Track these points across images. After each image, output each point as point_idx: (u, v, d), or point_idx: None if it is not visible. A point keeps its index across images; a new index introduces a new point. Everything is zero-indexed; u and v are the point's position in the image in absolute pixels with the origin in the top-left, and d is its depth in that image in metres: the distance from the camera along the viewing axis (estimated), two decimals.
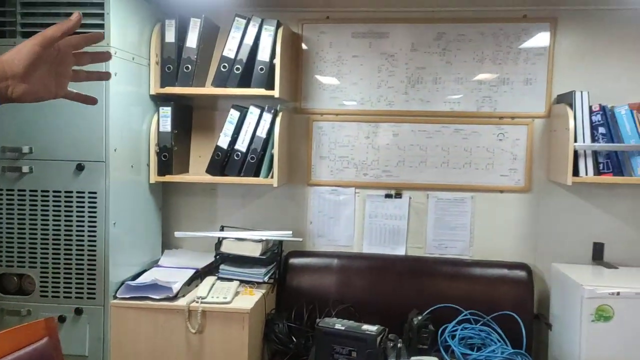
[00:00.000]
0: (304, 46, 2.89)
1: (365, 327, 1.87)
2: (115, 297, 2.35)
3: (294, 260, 2.89)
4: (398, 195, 2.92)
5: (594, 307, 2.29)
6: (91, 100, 1.12)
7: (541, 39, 2.77)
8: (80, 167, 2.23)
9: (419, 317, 2.57)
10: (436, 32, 2.82)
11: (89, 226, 2.27)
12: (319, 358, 1.86)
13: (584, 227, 2.81)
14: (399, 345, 1.96)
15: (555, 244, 2.84)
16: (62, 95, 1.04)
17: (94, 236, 2.27)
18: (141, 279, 2.42)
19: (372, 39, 2.85)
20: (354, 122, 2.90)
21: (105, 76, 1.24)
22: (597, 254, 2.81)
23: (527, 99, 2.80)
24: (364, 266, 2.88)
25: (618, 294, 2.28)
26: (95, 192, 2.26)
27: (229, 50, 2.58)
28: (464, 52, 2.81)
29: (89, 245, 2.27)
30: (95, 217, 2.26)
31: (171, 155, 2.63)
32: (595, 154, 2.54)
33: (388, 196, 2.92)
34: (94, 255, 2.28)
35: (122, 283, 2.39)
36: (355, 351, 1.78)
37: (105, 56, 1.14)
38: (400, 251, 2.93)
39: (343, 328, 1.85)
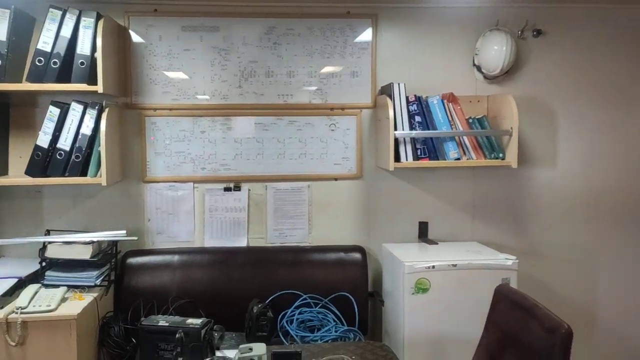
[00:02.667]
0: (132, 39, 2.80)
1: (190, 321, 1.87)
2: None
3: (132, 260, 2.80)
4: (237, 187, 2.95)
5: (414, 281, 2.50)
6: None
7: (364, 34, 2.94)
8: None
9: (259, 306, 2.63)
10: (266, 26, 2.87)
11: None
12: (144, 357, 1.83)
13: (411, 208, 3.04)
14: (224, 335, 1.99)
15: (386, 225, 3.04)
16: None
17: None
18: None
19: (203, 32, 2.84)
20: (189, 116, 2.87)
21: None
22: (423, 232, 3.06)
23: (354, 90, 2.96)
24: (206, 260, 2.87)
25: (433, 267, 2.51)
26: None
27: (45, 44, 2.42)
28: (293, 46, 2.90)
29: None
30: None
31: None
32: (414, 140, 2.75)
33: (227, 189, 2.94)
34: None
35: None
36: (181, 346, 1.78)
37: None
38: (242, 243, 2.97)
39: (167, 324, 1.83)
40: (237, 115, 2.90)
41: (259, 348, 1.87)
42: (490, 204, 3.07)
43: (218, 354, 1.87)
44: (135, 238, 2.74)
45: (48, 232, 2.60)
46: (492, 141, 2.82)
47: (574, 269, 3.13)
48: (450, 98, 2.81)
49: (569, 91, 3.06)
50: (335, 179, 3.00)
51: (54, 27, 2.43)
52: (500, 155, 2.81)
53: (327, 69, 2.93)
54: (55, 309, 2.23)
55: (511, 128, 2.76)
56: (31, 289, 2.32)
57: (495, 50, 2.86)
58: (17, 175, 2.65)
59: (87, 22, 2.45)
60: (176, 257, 2.84)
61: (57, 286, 2.39)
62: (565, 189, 3.10)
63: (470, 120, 2.83)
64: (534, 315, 1.57)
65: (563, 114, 3.07)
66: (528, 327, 1.57)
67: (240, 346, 1.91)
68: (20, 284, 2.40)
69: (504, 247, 3.01)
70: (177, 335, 1.62)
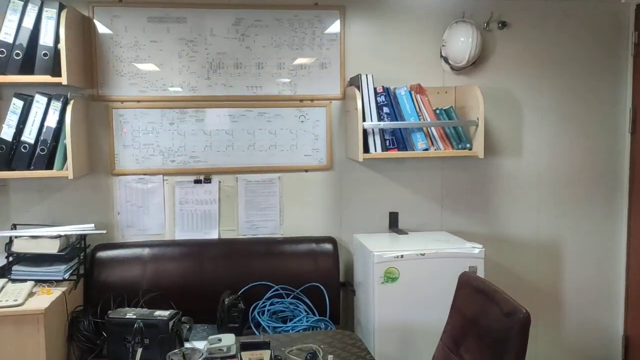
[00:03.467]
0: (97, 30, 2.76)
1: (158, 313, 1.87)
2: None
3: (102, 254, 2.78)
4: (207, 180, 2.94)
5: (383, 270, 2.54)
6: None
7: (333, 25, 2.95)
8: None
9: (230, 297, 2.64)
10: (234, 17, 2.86)
11: None
12: (111, 350, 1.83)
13: (381, 199, 3.08)
14: (193, 327, 2.00)
15: (357, 216, 3.07)
16: None
17: None
18: None
19: (170, 23, 2.82)
20: (157, 108, 2.85)
21: None
22: (393, 223, 3.10)
23: (324, 82, 2.97)
24: (177, 253, 2.87)
25: (402, 256, 2.55)
26: None
27: (6, 35, 2.38)
28: (262, 38, 2.90)
29: None
30: None
31: None
32: (382, 131, 2.78)
33: (197, 181, 2.93)
34: None
35: None
36: (148, 338, 1.78)
37: None
38: (213, 235, 2.97)
39: (134, 316, 1.83)
40: (207, 107, 2.89)
41: (228, 339, 1.88)
42: (458, 194, 3.12)
43: (187, 345, 1.88)
44: (104, 232, 2.72)
45: (14, 227, 2.57)
46: (460, 132, 2.87)
47: (540, 256, 3.21)
48: (418, 89, 2.84)
49: (533, 82, 3.12)
50: (306, 171, 3.02)
51: (16, 18, 2.39)
52: (468, 145, 2.86)
53: (296, 61, 2.94)
54: (23, 303, 2.21)
55: (477, 119, 2.80)
56: None
57: (462, 42, 2.89)
58: None
59: (50, 12, 2.41)
60: (146, 251, 2.83)
61: (25, 281, 2.37)
62: (531, 177, 3.17)
63: (438, 111, 2.87)
64: (493, 301, 1.61)
65: (527, 104, 3.13)
66: (488, 312, 1.62)
67: (209, 337, 1.92)
68: None
69: (472, 235, 3.06)
70: (135, 326, 1.63)
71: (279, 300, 2.75)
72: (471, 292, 1.75)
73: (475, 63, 3.02)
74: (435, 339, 2.00)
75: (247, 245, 2.95)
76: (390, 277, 2.54)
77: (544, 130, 3.15)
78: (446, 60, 3.01)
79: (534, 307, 3.08)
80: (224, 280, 2.80)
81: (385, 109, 2.78)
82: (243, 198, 2.98)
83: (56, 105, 2.47)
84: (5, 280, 2.36)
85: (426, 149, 2.81)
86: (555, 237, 3.21)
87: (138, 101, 2.83)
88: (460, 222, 3.13)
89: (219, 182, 2.95)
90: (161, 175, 2.89)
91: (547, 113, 3.15)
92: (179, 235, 2.93)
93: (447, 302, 2.01)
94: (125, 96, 2.82)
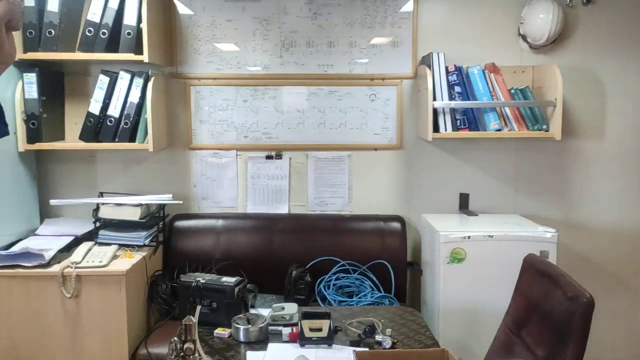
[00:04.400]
0: (177, 10, 2.89)
1: (225, 279, 1.97)
2: None
3: (179, 223, 2.94)
4: (278, 156, 3.02)
5: (449, 250, 2.52)
6: None
7: (406, 4, 2.91)
8: None
9: (298, 270, 2.73)
10: None
11: None
12: (182, 311, 1.95)
13: (451, 180, 3.04)
14: (257, 294, 2.09)
15: (426, 196, 3.05)
16: None
17: None
18: (12, 249, 2.40)
19: (245, 2, 2.89)
20: (232, 86, 2.95)
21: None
22: (463, 204, 3.06)
23: (395, 60, 2.96)
24: (248, 226, 2.98)
25: (469, 237, 2.52)
26: None
27: (94, 14, 2.54)
28: (334, 16, 2.91)
29: None
30: None
31: (40, 123, 2.58)
32: (453, 111, 2.74)
33: (269, 157, 3.02)
34: None
35: None
36: (216, 302, 1.89)
37: None
38: (283, 210, 3.05)
39: (204, 281, 1.94)
40: (279, 85, 2.96)
41: (291, 307, 1.96)
42: (533, 176, 3.03)
43: (252, 311, 1.97)
44: (181, 202, 2.86)
45: (101, 195, 2.76)
46: (535, 112, 2.77)
47: (621, 244, 3.05)
48: (492, 68, 2.76)
49: (618, 61, 2.94)
50: (375, 149, 3.03)
51: None
52: (544, 127, 2.76)
53: (368, 39, 2.93)
54: (107, 265, 2.38)
55: (555, 99, 2.69)
56: (85, 246, 2.49)
57: (541, 19, 2.78)
58: (72, 141, 2.82)
59: None
60: (220, 222, 2.96)
61: (109, 244, 2.56)
62: (614, 161, 3.01)
63: (513, 91, 2.78)
64: (557, 284, 1.58)
65: (612, 84, 2.96)
66: (551, 295, 1.58)
67: (273, 305, 2.00)
68: (76, 242, 2.58)
69: (546, 220, 2.96)
70: (192, 284, 1.72)
71: (345, 275, 2.80)
72: (535, 274, 1.72)
73: (556, 41, 2.89)
74: (499, 321, 1.97)
75: (315, 220, 3.02)
76: (456, 258, 2.53)
77: (629, 112, 2.98)
78: (524, 38, 2.90)
79: (611, 296, 2.98)
80: (292, 253, 2.88)
81: (457, 88, 2.73)
82: (313, 174, 3.04)
83: (138, 82, 2.62)
84: (92, 243, 2.55)
85: (499, 130, 2.74)
86: (637, 226, 3.05)
87: (214, 79, 2.94)
88: (533, 206, 3.03)
89: (290, 158, 3.02)
90: (235, 151, 3.00)
91: (633, 93, 2.97)
92: (251, 209, 3.04)
93: (513, 285, 1.97)
94: (202, 74, 2.94)
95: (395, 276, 2.81)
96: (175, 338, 1.00)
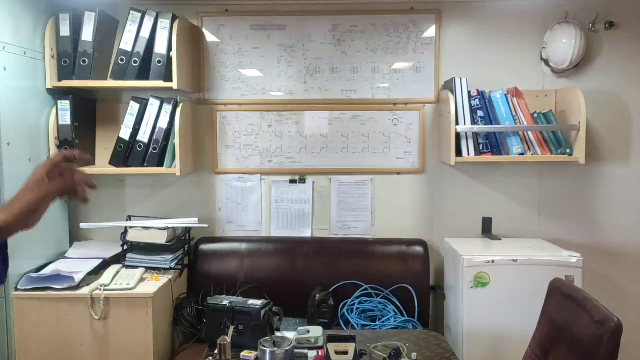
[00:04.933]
0: (205, 38, 2.98)
1: (251, 302, 1.99)
2: (16, 289, 2.38)
3: (204, 246, 2.99)
4: (302, 180, 3.06)
5: (473, 275, 2.51)
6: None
7: (428, 30, 2.96)
8: None
9: (321, 293, 2.74)
10: (331, 23, 2.96)
11: None
12: (209, 333, 1.98)
13: (474, 204, 3.04)
14: (282, 317, 2.11)
15: (449, 220, 3.06)
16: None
17: None
18: (43, 271, 2.46)
19: (271, 30, 2.97)
20: (257, 111, 3.02)
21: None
22: (486, 228, 3.05)
23: (417, 85, 2.99)
24: (272, 249, 3.01)
25: (493, 261, 2.51)
26: None
27: (126, 44, 2.64)
28: (357, 43, 2.97)
29: None
30: None
31: (72, 148, 2.66)
32: (476, 135, 2.75)
33: (292, 181, 3.06)
34: None
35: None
36: (242, 324, 1.91)
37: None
38: (307, 233, 3.08)
39: (230, 304, 1.97)
40: (303, 110, 3.01)
41: (316, 331, 1.97)
42: (557, 201, 3.01)
43: (277, 334, 1.99)
44: (206, 226, 2.91)
45: (129, 218, 2.83)
46: (559, 136, 2.77)
47: None
48: (515, 92, 2.78)
49: None
50: (398, 173, 3.05)
51: (134, 29, 2.64)
52: (568, 150, 2.76)
53: (391, 65, 2.98)
54: (134, 287, 2.43)
55: (579, 123, 2.70)
56: (113, 269, 2.54)
57: (564, 44, 2.80)
58: (103, 165, 2.90)
59: (164, 23, 2.64)
60: (244, 245, 3.00)
61: (136, 267, 2.61)
62: (639, 185, 2.98)
63: (536, 115, 2.80)
64: (584, 308, 1.57)
65: (636, 108, 2.95)
66: (578, 319, 1.57)
67: (299, 328, 2.02)
68: (104, 265, 2.64)
69: (571, 244, 2.94)
70: (220, 307, 1.74)
71: (368, 299, 2.80)
72: (562, 299, 1.71)
73: (578, 65, 2.90)
74: (524, 346, 1.96)
75: (338, 244, 3.03)
76: (480, 282, 2.52)
77: None
78: (547, 62, 2.92)
79: (637, 322, 2.92)
80: (315, 277, 2.90)
81: (480, 113, 2.75)
82: (336, 198, 3.07)
83: (167, 108, 2.69)
84: (120, 266, 2.60)
85: (522, 154, 2.74)
86: None
87: (240, 104, 3.01)
88: (558, 230, 3.01)
89: (313, 182, 3.06)
90: (259, 175, 3.05)
91: None
92: (275, 232, 3.07)
93: (538, 309, 1.96)
94: (228, 100, 3.01)
95: (418, 300, 2.81)
96: (210, 358, 1.03)
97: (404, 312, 2.78)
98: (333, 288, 2.83)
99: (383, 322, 2.67)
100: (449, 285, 2.88)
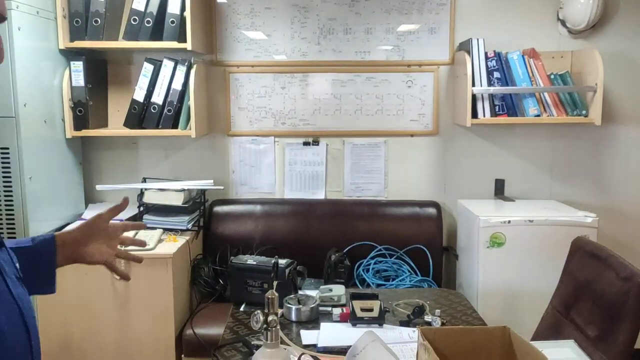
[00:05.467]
0: None
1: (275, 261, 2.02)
2: None
3: (218, 208, 3.00)
4: (315, 142, 3.06)
5: (489, 235, 2.54)
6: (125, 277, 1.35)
7: None
8: None
9: (337, 254, 2.77)
10: None
11: (4, 182, 2.29)
12: (234, 292, 2.00)
13: (487, 166, 3.05)
14: (306, 277, 2.13)
15: (461, 182, 3.07)
16: (108, 262, 1.30)
17: (10, 191, 2.29)
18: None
19: None
20: (270, 73, 2.99)
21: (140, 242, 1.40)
22: (499, 190, 3.06)
23: (432, 47, 2.96)
24: (286, 211, 3.03)
25: (509, 222, 2.53)
26: (7, 148, 2.27)
27: (138, 3, 2.59)
28: (371, 3, 2.93)
29: (5, 201, 2.30)
30: (9, 172, 2.29)
31: (87, 110, 2.64)
32: (492, 97, 2.74)
33: (306, 144, 3.06)
34: (12, 211, 2.32)
35: None
36: (267, 283, 1.94)
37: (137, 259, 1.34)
38: (320, 195, 3.09)
39: (254, 263, 1.99)
40: (316, 72, 2.99)
41: (339, 289, 2.00)
42: (571, 163, 3.02)
43: (300, 292, 2.01)
44: (222, 187, 2.92)
45: (144, 180, 2.83)
46: (575, 98, 2.76)
47: None
48: (531, 54, 2.76)
49: None
50: (412, 135, 3.05)
51: None
52: (584, 112, 2.75)
53: (405, 26, 2.94)
54: (154, 248, 2.45)
55: (595, 84, 2.68)
56: (130, 234, 2.55)
57: (581, 4, 2.76)
58: (115, 128, 2.89)
59: None
60: (258, 207, 3.01)
61: (154, 228, 2.62)
62: None
63: (552, 76, 2.78)
64: (609, 265, 1.59)
65: None
66: (603, 276, 1.60)
67: (321, 287, 2.04)
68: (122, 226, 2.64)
69: (584, 206, 2.93)
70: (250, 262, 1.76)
71: (383, 259, 2.84)
72: (584, 256, 1.74)
73: (595, 26, 2.87)
74: (540, 304, 1.99)
75: (352, 206, 3.05)
76: (496, 242, 2.54)
77: None
78: (563, 23, 2.89)
79: None
80: (330, 238, 2.92)
81: (496, 74, 2.73)
82: (349, 161, 3.07)
83: (181, 69, 2.66)
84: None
85: (538, 115, 2.74)
86: None
87: (252, 66, 2.98)
88: (571, 192, 3.03)
89: (327, 144, 3.06)
90: (272, 137, 3.04)
91: None
92: (288, 195, 3.09)
93: (554, 269, 1.99)
94: (241, 61, 2.98)
95: (432, 261, 2.84)
96: (259, 311, 1.05)
97: (417, 272, 2.82)
98: (347, 249, 2.86)
99: (398, 282, 2.71)
100: (462, 246, 2.91)
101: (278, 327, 1.07)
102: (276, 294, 1.08)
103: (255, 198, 3.07)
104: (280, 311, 1.84)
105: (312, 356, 1.45)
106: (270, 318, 1.06)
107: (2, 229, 2.33)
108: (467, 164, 3.05)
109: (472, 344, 1.19)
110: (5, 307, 0.87)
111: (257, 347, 1.41)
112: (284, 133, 3.04)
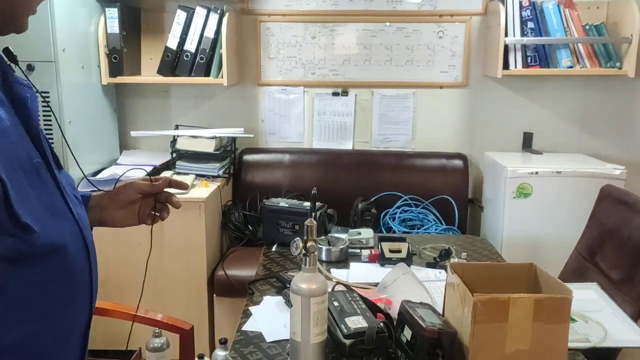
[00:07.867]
0: None
1: (307, 203, 2.08)
2: None
3: (248, 157, 3.06)
4: (344, 93, 3.08)
5: (515, 185, 2.56)
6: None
7: None
8: (30, 68, 2.30)
9: (363, 203, 2.83)
10: None
11: (45, 125, 2.37)
12: (266, 233, 2.08)
13: (516, 118, 3.04)
14: (334, 220, 2.20)
15: (489, 134, 3.07)
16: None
17: (51, 134, 2.38)
18: (101, 175, 2.57)
19: None
20: (301, 22, 2.99)
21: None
22: (527, 143, 3.06)
23: None
24: (314, 160, 3.08)
25: (537, 173, 2.55)
26: (47, 92, 2.35)
27: None
28: None
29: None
30: (50, 116, 2.36)
31: (121, 57, 2.70)
32: (524, 47, 2.71)
33: (335, 94, 3.08)
34: None
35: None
36: (298, 224, 2.01)
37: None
38: (348, 146, 3.13)
39: (286, 205, 2.06)
40: (347, 22, 2.98)
41: (367, 232, 2.06)
42: (601, 116, 3.00)
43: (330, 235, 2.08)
44: (252, 136, 2.97)
45: (177, 127, 2.90)
46: (609, 49, 2.72)
47: None
48: (567, 3, 2.71)
49: None
50: (441, 87, 3.04)
51: None
52: (617, 64, 2.71)
53: None
54: (187, 192, 2.53)
55: (631, 35, 2.63)
56: (166, 174, 2.64)
57: None
58: (149, 75, 2.94)
59: None
60: (287, 156, 3.07)
61: (187, 174, 2.71)
62: None
63: (587, 27, 2.73)
64: (637, 211, 1.62)
65: None
66: (630, 221, 1.62)
67: (350, 230, 2.11)
68: (155, 171, 2.73)
69: (612, 160, 2.92)
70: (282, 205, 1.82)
71: (409, 208, 2.89)
72: (613, 203, 1.76)
73: None
74: (564, 254, 2.03)
75: (379, 157, 3.09)
76: (522, 193, 2.57)
77: None
78: None
79: None
80: (356, 188, 2.97)
81: (530, 24, 2.69)
82: (377, 112, 3.09)
83: (214, 17, 2.69)
84: (171, 172, 2.71)
85: (571, 67, 2.71)
86: None
87: (283, 15, 2.98)
88: (599, 146, 3.01)
89: (356, 95, 3.07)
90: (302, 87, 3.07)
91: None
92: (317, 144, 3.13)
93: (580, 220, 2.02)
94: (272, 10, 2.98)
95: (458, 211, 2.88)
96: (298, 238, 1.12)
97: (443, 221, 2.87)
98: (374, 198, 2.91)
99: (424, 230, 2.77)
100: (488, 197, 2.94)
101: (316, 253, 1.13)
102: (314, 222, 1.13)
103: (284, 147, 3.12)
104: None
105: (345, 285, 1.52)
106: (309, 244, 1.12)
107: None
108: (495, 116, 3.05)
109: (499, 279, 1.24)
110: (66, 224, 0.92)
111: (290, 282, 1.49)
112: (313, 83, 3.06)
